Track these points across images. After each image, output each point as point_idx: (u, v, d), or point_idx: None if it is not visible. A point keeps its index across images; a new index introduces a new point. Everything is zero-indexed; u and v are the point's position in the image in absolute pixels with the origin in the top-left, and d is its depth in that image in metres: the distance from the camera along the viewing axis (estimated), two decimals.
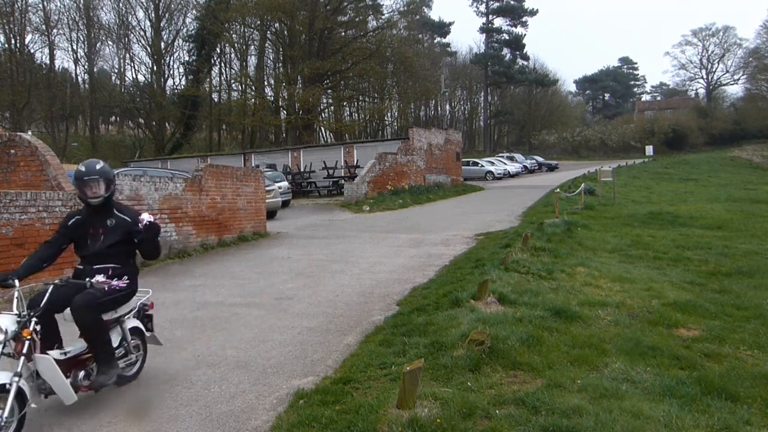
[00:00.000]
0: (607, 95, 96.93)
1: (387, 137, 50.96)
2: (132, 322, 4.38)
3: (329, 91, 46.36)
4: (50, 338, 3.79)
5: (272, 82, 49.87)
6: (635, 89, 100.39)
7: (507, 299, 5.91)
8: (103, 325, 3.92)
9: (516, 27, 70.12)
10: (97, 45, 50.06)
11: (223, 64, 54.70)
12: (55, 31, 46.91)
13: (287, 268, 9.35)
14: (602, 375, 4.11)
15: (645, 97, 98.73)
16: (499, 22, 70.73)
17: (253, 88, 47.90)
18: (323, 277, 8.60)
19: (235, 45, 50.90)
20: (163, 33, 49.78)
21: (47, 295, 3.69)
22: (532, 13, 69.53)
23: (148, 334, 4.56)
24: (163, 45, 49.73)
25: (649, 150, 54.15)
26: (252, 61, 53.18)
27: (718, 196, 20.98)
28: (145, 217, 4.00)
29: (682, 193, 22.68)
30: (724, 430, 3.29)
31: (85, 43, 48.42)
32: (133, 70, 68.44)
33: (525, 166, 45.20)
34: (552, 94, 74.39)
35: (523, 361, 4.32)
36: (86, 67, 50.31)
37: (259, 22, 45.24)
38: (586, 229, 12.16)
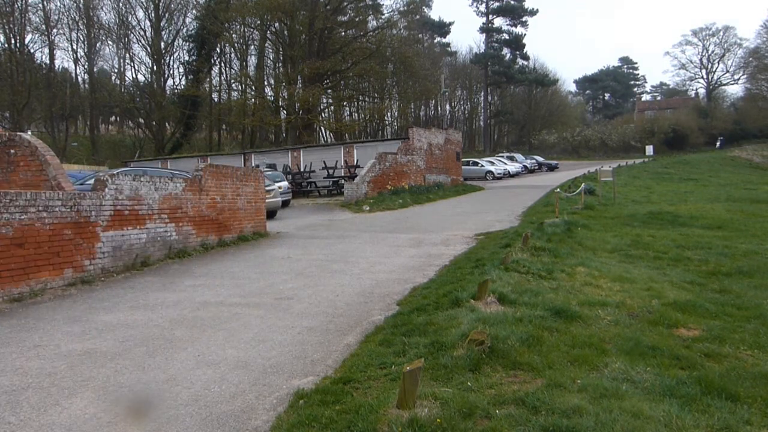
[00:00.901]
0: (607, 95, 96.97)
1: (387, 137, 50.99)
2: None
3: (329, 91, 46.37)
4: None
5: (272, 82, 49.94)
6: (635, 89, 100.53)
7: (507, 299, 5.91)
8: None
9: (516, 27, 70.27)
10: (97, 45, 50.17)
11: (223, 64, 54.81)
12: (55, 31, 47.03)
13: (287, 268, 9.35)
14: (602, 375, 4.11)
15: (645, 97, 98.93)
16: (499, 21, 70.91)
17: (253, 88, 47.92)
18: (323, 277, 8.60)
19: (235, 45, 50.95)
20: (163, 33, 49.83)
21: None
22: (532, 12, 69.64)
23: None
24: (163, 45, 49.78)
25: (650, 150, 54.20)
26: (252, 61, 53.30)
27: (718, 195, 20.98)
28: None
29: (682, 192, 22.68)
30: (724, 430, 3.29)
31: (85, 43, 48.51)
32: (133, 70, 68.68)
33: (525, 166, 45.21)
34: (552, 94, 74.40)
35: (523, 361, 4.31)
36: (86, 67, 50.44)
37: (259, 22, 45.26)
38: (586, 229, 12.16)
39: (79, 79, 53.70)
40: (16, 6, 42.54)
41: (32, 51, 47.05)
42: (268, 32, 46.95)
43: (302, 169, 27.81)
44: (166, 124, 51.92)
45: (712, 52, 75.52)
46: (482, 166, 39.79)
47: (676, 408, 3.50)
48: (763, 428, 3.34)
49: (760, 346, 4.88)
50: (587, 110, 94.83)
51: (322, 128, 51.96)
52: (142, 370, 4.73)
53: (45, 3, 44.68)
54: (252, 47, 52.25)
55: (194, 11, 49.86)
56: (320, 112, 47.29)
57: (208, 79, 52.53)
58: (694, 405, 3.60)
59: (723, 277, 8.01)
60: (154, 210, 10.07)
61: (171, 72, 52.84)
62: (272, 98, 47.45)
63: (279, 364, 4.84)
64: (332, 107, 50.21)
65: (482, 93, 71.77)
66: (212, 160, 32.17)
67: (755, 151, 49.79)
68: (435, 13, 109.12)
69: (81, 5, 47.14)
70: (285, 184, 21.66)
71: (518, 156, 48.88)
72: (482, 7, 69.75)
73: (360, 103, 57.62)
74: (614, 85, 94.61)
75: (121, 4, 48.64)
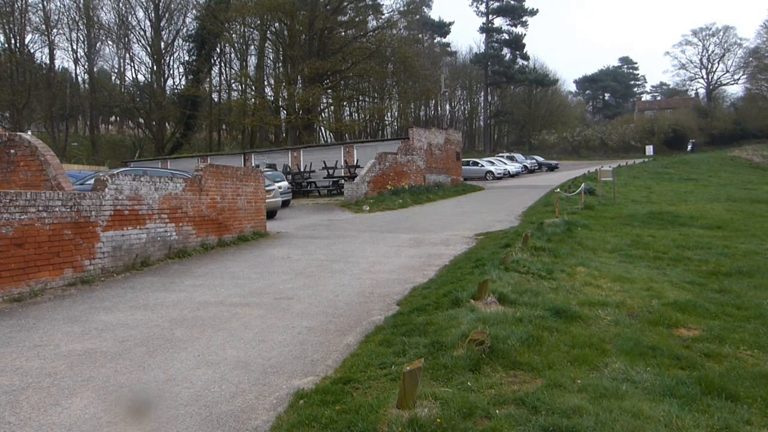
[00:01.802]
0: (607, 95, 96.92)
1: (387, 137, 51.00)
2: None
3: (329, 91, 46.38)
4: None
5: (272, 82, 49.95)
6: (635, 89, 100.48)
7: (507, 299, 5.91)
8: None
9: (516, 27, 70.27)
10: (97, 45, 50.17)
11: (223, 64, 54.82)
12: (55, 31, 47.02)
13: (287, 268, 9.35)
14: (602, 375, 4.11)
15: (645, 97, 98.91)
16: (499, 21, 70.91)
17: (253, 88, 47.92)
18: (323, 276, 8.60)
19: (235, 45, 50.96)
20: (163, 33, 49.83)
21: None
22: (532, 12, 69.64)
23: None
24: (163, 45, 49.78)
25: (650, 150, 54.17)
26: (252, 61, 53.31)
27: (718, 195, 20.98)
28: None
29: (682, 192, 22.67)
30: (724, 430, 3.29)
31: (85, 43, 48.50)
32: (133, 70, 68.67)
33: (525, 166, 45.22)
34: (552, 94, 74.42)
35: (523, 361, 4.31)
36: (86, 67, 50.43)
37: (259, 22, 45.26)
38: (586, 229, 12.15)
39: (79, 79, 53.79)
40: (16, 6, 42.55)
41: (32, 51, 47.12)
42: (268, 32, 46.96)
43: (302, 169, 27.80)
44: (166, 124, 51.92)
45: (712, 52, 75.61)
46: (482, 166, 39.80)
47: (676, 408, 3.50)
48: (763, 428, 3.34)
49: (760, 346, 4.88)
50: (587, 110, 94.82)
51: (322, 128, 51.98)
52: (142, 370, 4.73)
53: (45, 3, 44.74)
54: (252, 47, 52.31)
55: (194, 11, 49.95)
56: (320, 112, 47.29)
57: (208, 79, 52.56)
58: (694, 405, 3.60)
59: (723, 277, 8.01)
60: (154, 210, 10.07)
61: (171, 72, 52.92)
62: (272, 98, 47.47)
63: (279, 364, 4.84)
64: (332, 107, 50.21)
65: (482, 93, 71.78)
66: (212, 160, 32.17)
67: (755, 151, 49.79)
68: (435, 13, 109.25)
69: (81, 5, 47.14)
70: (285, 184, 21.66)
71: (518, 156, 48.89)
72: (482, 7, 69.82)
73: (360, 103, 57.63)
74: (614, 85, 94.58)
75: (121, 4, 48.70)
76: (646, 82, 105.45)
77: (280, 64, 50.17)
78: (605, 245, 10.44)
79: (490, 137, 72.13)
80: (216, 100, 54.75)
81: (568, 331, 5.10)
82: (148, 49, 49.83)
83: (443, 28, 70.61)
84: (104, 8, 70.55)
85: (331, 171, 26.85)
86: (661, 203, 18.58)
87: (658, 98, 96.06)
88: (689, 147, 58.70)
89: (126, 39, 50.24)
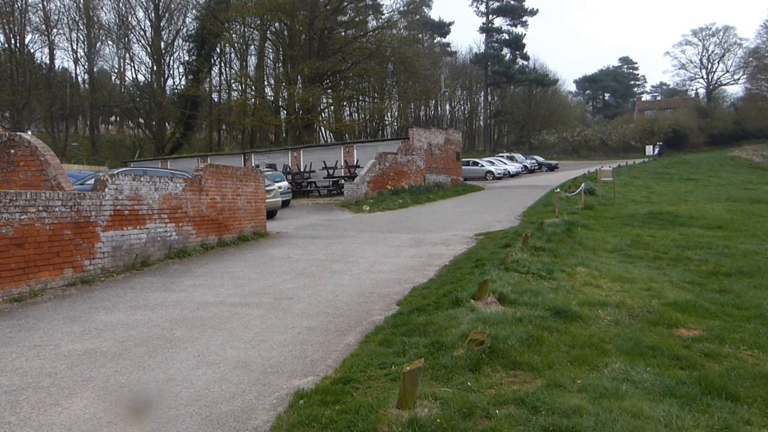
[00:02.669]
0: (607, 95, 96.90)
1: (387, 137, 50.98)
2: None
3: (329, 91, 46.35)
4: None
5: (272, 82, 49.93)
6: (635, 89, 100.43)
7: (507, 299, 5.91)
8: None
9: (516, 27, 70.24)
10: (97, 45, 50.15)
11: (223, 64, 54.81)
12: (55, 31, 47.02)
13: (287, 268, 9.35)
14: (602, 375, 4.11)
15: (645, 97, 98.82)
16: (499, 21, 70.87)
17: (253, 88, 47.90)
18: (323, 276, 8.60)
19: (235, 45, 50.94)
20: (163, 33, 49.82)
21: None
22: (532, 12, 69.62)
23: None
24: (163, 45, 49.77)
25: (650, 150, 54.10)
26: (252, 61, 53.29)
27: (718, 195, 20.98)
28: None
29: (682, 192, 22.68)
30: (724, 430, 3.29)
31: (85, 43, 48.48)
32: (133, 70, 68.69)
33: (525, 166, 45.21)
34: (552, 94, 74.39)
35: (523, 361, 4.31)
36: (86, 67, 50.42)
37: (259, 22, 45.24)
38: (586, 229, 12.16)
39: (79, 79, 53.78)
40: (16, 6, 42.56)
41: (32, 51, 47.13)
42: (268, 32, 46.94)
43: (302, 169, 27.80)
44: (166, 124, 51.91)
45: (712, 52, 75.57)
46: (482, 166, 39.79)
47: (676, 408, 3.50)
48: (763, 428, 3.34)
49: (760, 346, 4.88)
50: (587, 110, 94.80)
51: (322, 128, 51.97)
52: (142, 370, 4.73)
53: (45, 3, 44.74)
54: (252, 47, 52.28)
55: (194, 11, 49.92)
56: (320, 112, 47.28)
57: (208, 79, 52.53)
58: (694, 405, 3.60)
59: (723, 277, 8.01)
60: (154, 210, 10.07)
61: (171, 72, 52.89)
62: (272, 98, 47.44)
63: (279, 364, 4.84)
64: (332, 107, 50.20)
65: (482, 93, 71.75)
66: (212, 160, 32.16)
67: (755, 151, 49.77)
68: (435, 13, 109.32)
69: (81, 5, 47.13)
70: (285, 184, 21.67)
71: (518, 156, 48.88)
72: (482, 7, 69.78)
73: (360, 103, 57.62)
74: (614, 85, 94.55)
75: (121, 4, 48.69)
76: (646, 82, 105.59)
77: (280, 64, 50.17)
78: (605, 245, 10.44)
79: (490, 137, 72.12)
80: (216, 100, 54.76)
81: (568, 331, 5.10)
82: (148, 49, 49.84)
83: (443, 28, 70.60)
84: (104, 8, 70.62)
85: (331, 171, 26.85)
86: (661, 203, 18.58)
87: (658, 98, 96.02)
88: (656, 150, 53.43)
89: (126, 39, 50.27)
